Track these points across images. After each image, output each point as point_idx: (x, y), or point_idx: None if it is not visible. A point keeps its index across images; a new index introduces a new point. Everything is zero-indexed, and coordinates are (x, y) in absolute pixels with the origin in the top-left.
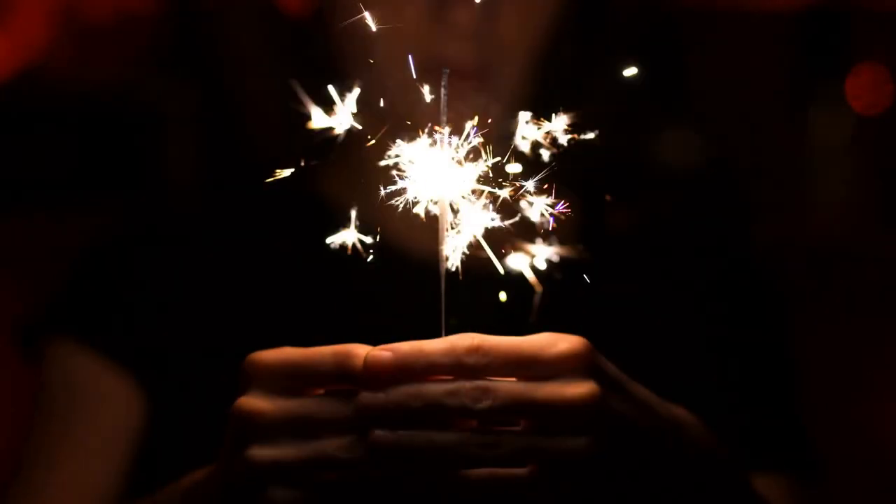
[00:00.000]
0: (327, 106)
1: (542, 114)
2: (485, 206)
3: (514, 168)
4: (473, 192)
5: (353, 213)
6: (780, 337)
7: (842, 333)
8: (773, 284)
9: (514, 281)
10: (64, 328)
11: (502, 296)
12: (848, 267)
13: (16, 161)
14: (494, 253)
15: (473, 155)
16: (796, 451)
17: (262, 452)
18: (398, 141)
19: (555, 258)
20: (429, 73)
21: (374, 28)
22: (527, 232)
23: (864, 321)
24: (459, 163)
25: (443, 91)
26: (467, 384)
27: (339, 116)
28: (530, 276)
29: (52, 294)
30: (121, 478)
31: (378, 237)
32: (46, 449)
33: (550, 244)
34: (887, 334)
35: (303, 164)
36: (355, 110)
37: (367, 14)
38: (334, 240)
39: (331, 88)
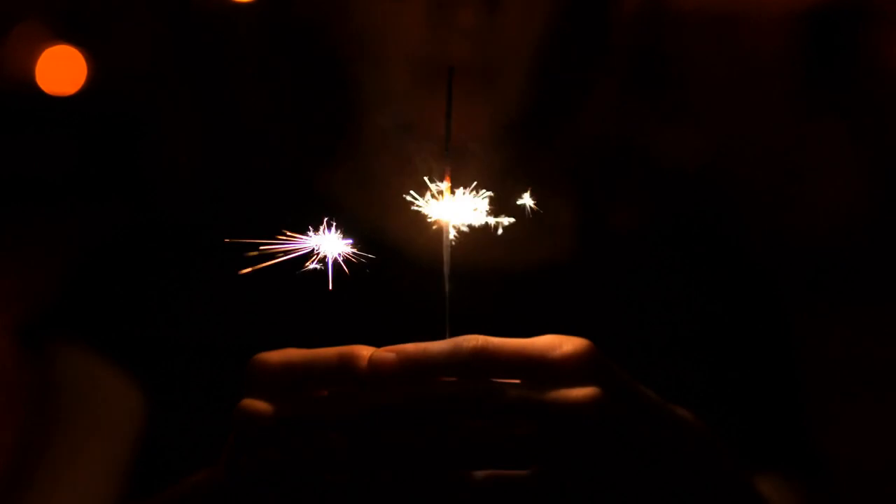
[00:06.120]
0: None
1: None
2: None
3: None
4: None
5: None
6: (780, 336)
7: (842, 332)
8: (773, 283)
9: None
10: (64, 328)
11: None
12: (847, 265)
13: (16, 161)
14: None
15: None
16: (799, 451)
17: (265, 454)
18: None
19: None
20: (431, 74)
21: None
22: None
23: (864, 320)
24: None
25: (448, 90)
26: (471, 386)
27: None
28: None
29: (53, 294)
30: (121, 479)
31: (381, 237)
32: (46, 449)
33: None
34: (887, 333)
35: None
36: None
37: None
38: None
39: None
